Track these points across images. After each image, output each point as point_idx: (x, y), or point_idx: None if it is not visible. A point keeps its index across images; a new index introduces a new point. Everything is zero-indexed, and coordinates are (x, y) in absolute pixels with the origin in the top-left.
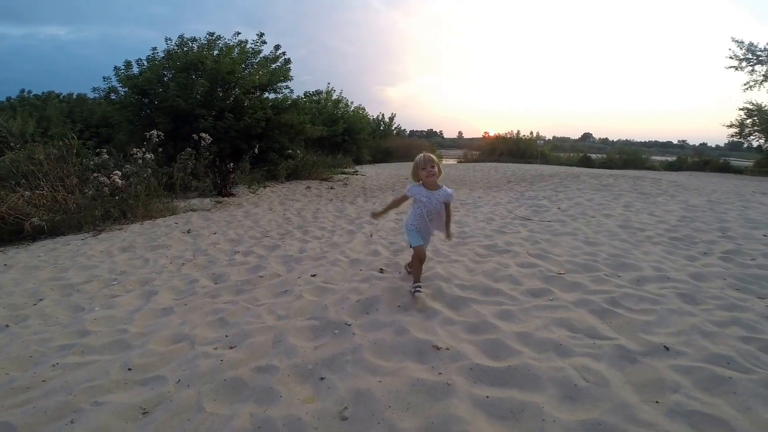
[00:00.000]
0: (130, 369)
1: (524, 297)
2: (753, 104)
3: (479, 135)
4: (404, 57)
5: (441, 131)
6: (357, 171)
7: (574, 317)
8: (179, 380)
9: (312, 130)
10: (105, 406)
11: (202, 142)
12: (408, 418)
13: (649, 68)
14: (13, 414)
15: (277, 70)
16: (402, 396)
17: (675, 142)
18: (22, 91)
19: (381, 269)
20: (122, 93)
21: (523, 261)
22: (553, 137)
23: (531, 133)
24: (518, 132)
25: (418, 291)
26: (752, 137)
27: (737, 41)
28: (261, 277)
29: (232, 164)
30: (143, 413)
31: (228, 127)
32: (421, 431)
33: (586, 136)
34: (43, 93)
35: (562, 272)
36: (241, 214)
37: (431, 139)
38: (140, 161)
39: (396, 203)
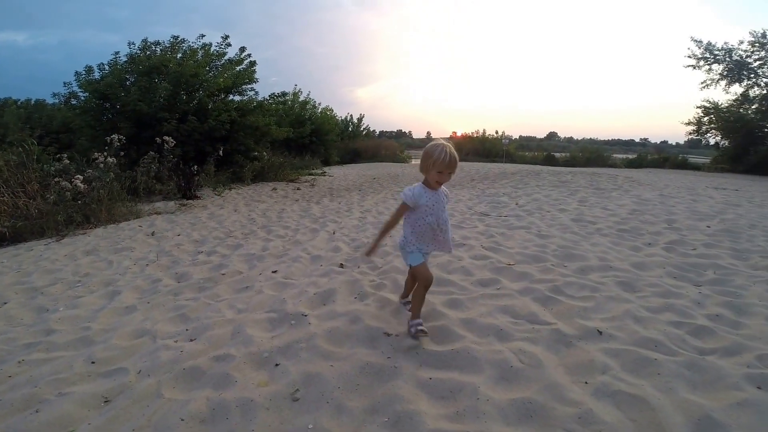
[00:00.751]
0: (93, 362)
1: (473, 287)
2: (710, 102)
3: (448, 135)
4: (375, 58)
5: (410, 131)
6: (325, 172)
7: (517, 304)
8: (140, 371)
9: (278, 132)
10: (69, 396)
11: (165, 145)
12: (356, 398)
13: (613, 67)
14: None
15: (242, 72)
16: (351, 378)
17: (637, 140)
18: None
19: (341, 264)
20: (83, 98)
21: (477, 254)
22: (520, 136)
23: (496, 132)
24: (484, 131)
25: (422, 332)
26: (709, 135)
27: (696, 40)
28: (223, 274)
29: (196, 167)
30: (105, 401)
31: (192, 130)
32: (367, 410)
33: (552, 135)
34: None
35: (511, 263)
36: (205, 215)
37: (400, 139)
38: (102, 165)
39: (394, 222)
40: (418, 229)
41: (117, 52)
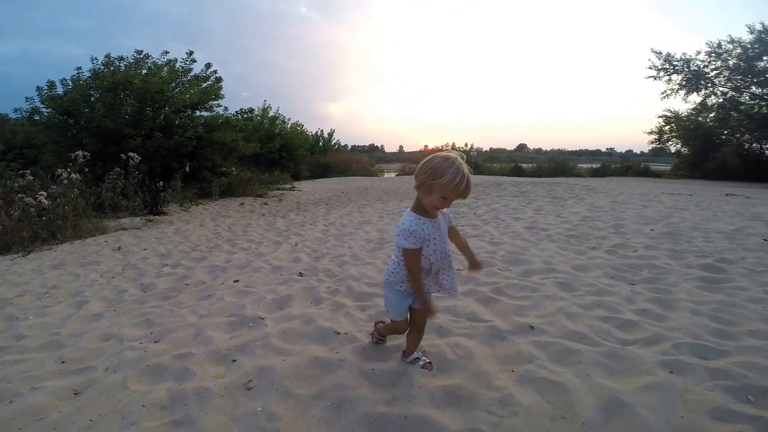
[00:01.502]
0: (63, 362)
1: None
2: (671, 112)
3: (420, 148)
4: (346, 72)
5: (382, 145)
6: (294, 187)
7: (459, 305)
8: (107, 368)
9: (245, 147)
10: (41, 390)
11: (131, 161)
12: (303, 386)
13: (582, 79)
14: None
15: (208, 88)
16: (301, 370)
17: (603, 149)
18: None
19: (300, 273)
20: (46, 114)
21: None
22: (490, 148)
23: (465, 144)
24: (453, 144)
25: (427, 364)
26: (670, 143)
27: (656, 52)
28: (187, 284)
29: (162, 183)
30: (75, 393)
31: (158, 146)
32: (313, 396)
33: (521, 147)
34: None
35: (460, 269)
36: (171, 231)
37: (373, 153)
38: (66, 182)
39: (417, 270)
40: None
41: (79, 68)
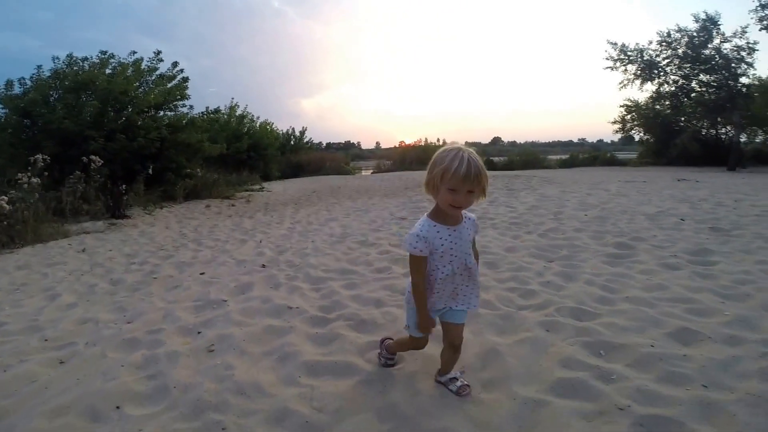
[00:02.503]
0: (46, 340)
1: (371, 274)
2: (631, 101)
3: (396, 144)
4: (321, 67)
5: (359, 142)
6: (263, 187)
7: (398, 283)
8: (87, 342)
9: (210, 149)
10: (29, 361)
11: (92, 164)
12: (257, 347)
13: (552, 69)
14: None
15: (174, 88)
16: (256, 335)
17: (575, 140)
18: None
19: (263, 265)
20: (1, 114)
21: (383, 250)
22: (465, 143)
23: (437, 140)
24: (426, 139)
25: (464, 386)
26: (633, 131)
27: (611, 43)
28: (155, 278)
29: (124, 186)
30: (60, 363)
31: (120, 149)
32: (264, 353)
33: (496, 140)
34: None
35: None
36: (136, 233)
37: (350, 150)
38: (26, 186)
39: (422, 279)
40: (432, 283)
41: (39, 66)
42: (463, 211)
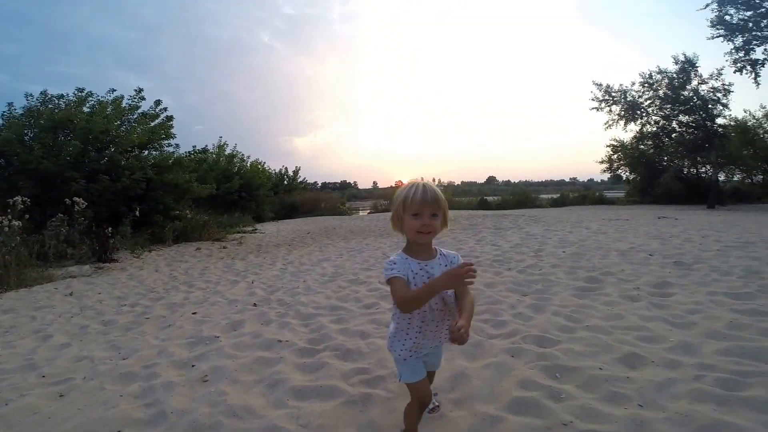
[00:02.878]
0: (44, 376)
1: (359, 310)
2: (617, 141)
3: (393, 183)
4: (314, 105)
5: (355, 182)
6: (256, 229)
7: (385, 318)
8: (85, 377)
9: (199, 189)
10: (30, 395)
11: (76, 206)
12: (248, 376)
13: (547, 109)
14: None
15: (158, 127)
16: (247, 365)
17: (567, 179)
18: None
19: (254, 304)
20: None
21: (372, 287)
22: (462, 182)
23: (434, 179)
24: (422, 178)
25: (436, 408)
26: (620, 170)
27: (597, 84)
28: (147, 318)
29: (110, 229)
30: (60, 396)
31: (103, 189)
32: (255, 381)
33: (491, 180)
34: None
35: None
36: (125, 276)
37: (346, 190)
38: (6, 229)
39: (408, 292)
40: (406, 324)
41: (11, 103)
42: (445, 251)
